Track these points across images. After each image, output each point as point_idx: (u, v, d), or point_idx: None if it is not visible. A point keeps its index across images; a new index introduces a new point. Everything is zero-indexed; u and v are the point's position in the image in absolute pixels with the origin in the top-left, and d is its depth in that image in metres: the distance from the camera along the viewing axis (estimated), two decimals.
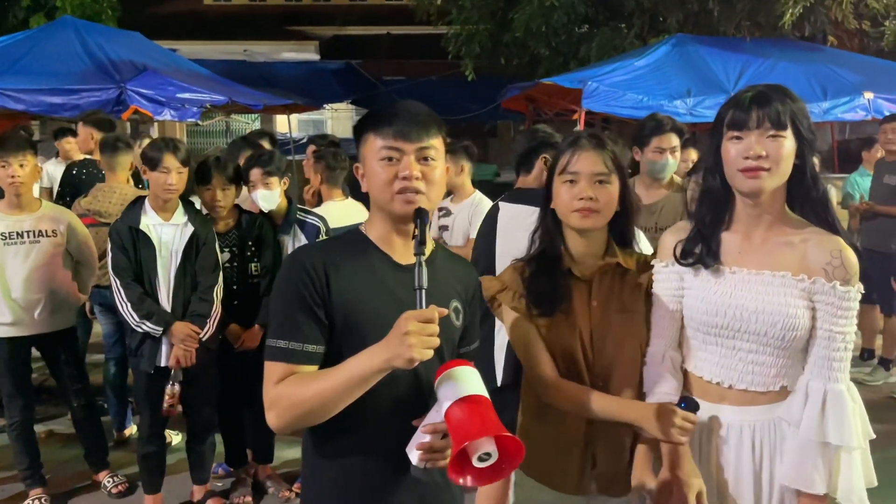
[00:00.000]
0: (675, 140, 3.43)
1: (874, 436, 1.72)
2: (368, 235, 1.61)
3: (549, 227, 1.89)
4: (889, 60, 8.68)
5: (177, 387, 3.23)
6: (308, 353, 1.49)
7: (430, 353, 1.34)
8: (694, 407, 1.70)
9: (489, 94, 10.55)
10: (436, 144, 1.56)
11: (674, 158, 3.42)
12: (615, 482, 1.87)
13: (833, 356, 1.67)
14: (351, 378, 1.41)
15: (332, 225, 3.68)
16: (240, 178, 3.53)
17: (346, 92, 12.92)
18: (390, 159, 1.52)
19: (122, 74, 6.82)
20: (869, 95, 7.10)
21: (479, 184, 4.53)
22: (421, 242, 1.46)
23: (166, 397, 3.22)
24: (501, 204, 2.82)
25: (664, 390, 1.80)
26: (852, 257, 1.66)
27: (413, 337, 1.33)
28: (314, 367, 1.49)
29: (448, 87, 11.91)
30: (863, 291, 1.68)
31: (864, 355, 5.61)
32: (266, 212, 3.60)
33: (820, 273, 1.66)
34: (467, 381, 1.38)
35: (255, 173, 3.56)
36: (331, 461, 1.57)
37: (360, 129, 1.58)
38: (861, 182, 5.90)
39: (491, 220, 2.84)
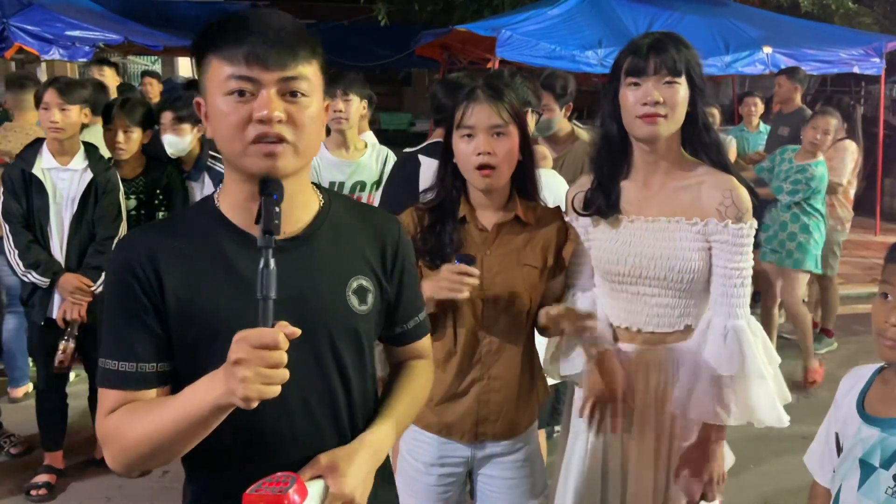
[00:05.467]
0: (545, 98, 3.39)
1: (780, 359, 1.81)
2: (219, 206, 1.22)
3: (449, 182, 1.84)
4: (787, 16, 9.05)
5: (71, 343, 3.04)
6: (144, 374, 1.14)
7: (273, 391, 1.00)
8: (468, 260, 1.70)
9: (403, 40, 10.36)
10: (307, 73, 1.14)
11: (545, 116, 3.38)
12: (503, 429, 1.89)
13: (731, 293, 1.74)
14: (181, 417, 1.07)
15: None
16: (148, 122, 3.35)
17: None
18: (241, 93, 1.10)
19: (3, 9, 6.30)
20: (768, 50, 7.40)
21: (393, 133, 4.30)
22: (267, 231, 1.07)
23: (58, 353, 3.04)
24: (422, 158, 2.67)
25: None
26: (744, 195, 1.74)
27: (246, 368, 0.98)
28: (157, 391, 1.16)
29: (360, 32, 11.63)
30: (756, 227, 1.76)
31: (755, 297, 5.95)
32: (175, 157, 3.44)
33: (713, 214, 1.73)
34: None
35: (166, 116, 3.37)
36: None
37: (199, 50, 1.16)
38: (737, 137, 6.10)
39: (410, 175, 2.68)
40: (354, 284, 1.24)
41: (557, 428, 2.97)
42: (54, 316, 3.09)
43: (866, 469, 1.36)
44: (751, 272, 1.76)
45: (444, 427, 1.88)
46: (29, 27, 6.14)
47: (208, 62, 1.14)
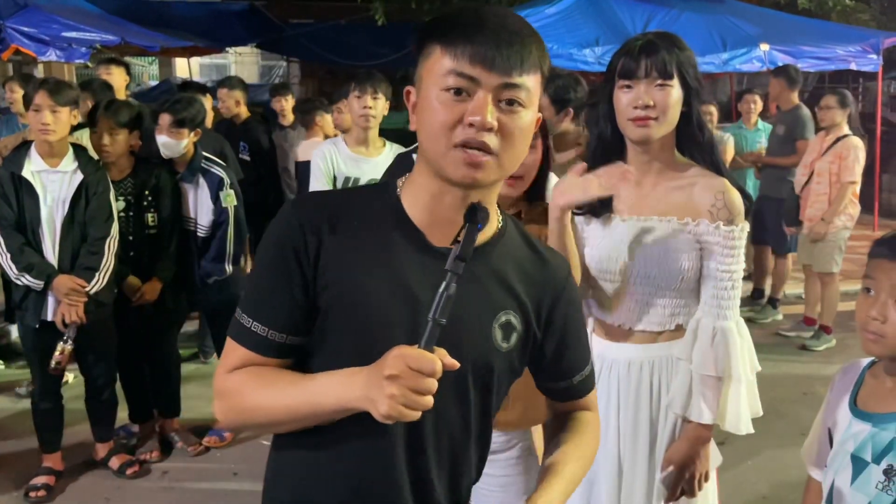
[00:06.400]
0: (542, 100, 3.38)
1: (760, 368, 1.83)
2: (401, 196, 1.15)
3: None
4: (784, 13, 9.05)
5: (69, 345, 3.04)
6: (271, 342, 1.11)
7: (413, 416, 0.97)
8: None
9: (400, 39, 10.31)
10: (529, 84, 1.06)
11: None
12: (515, 417, 1.87)
13: (721, 294, 1.75)
14: (308, 401, 1.07)
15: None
16: (136, 124, 3.34)
17: (250, 35, 12.35)
18: (458, 92, 1.04)
19: None
20: (765, 47, 7.38)
21: (390, 133, 4.14)
22: (461, 258, 1.00)
23: (55, 354, 3.03)
24: (417, 158, 2.69)
25: None
26: (736, 198, 1.75)
27: (397, 386, 0.95)
28: (280, 361, 1.13)
29: (357, 31, 11.59)
30: (748, 230, 1.77)
31: (755, 295, 5.94)
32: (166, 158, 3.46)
33: (705, 215, 1.74)
34: None
35: (165, 118, 3.40)
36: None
37: (425, 36, 1.10)
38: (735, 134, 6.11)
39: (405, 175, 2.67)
40: (503, 318, 1.16)
41: None
42: (48, 318, 3.08)
43: (858, 464, 1.37)
44: (741, 274, 1.78)
45: None
46: (25, 28, 6.09)
47: (431, 51, 1.07)
